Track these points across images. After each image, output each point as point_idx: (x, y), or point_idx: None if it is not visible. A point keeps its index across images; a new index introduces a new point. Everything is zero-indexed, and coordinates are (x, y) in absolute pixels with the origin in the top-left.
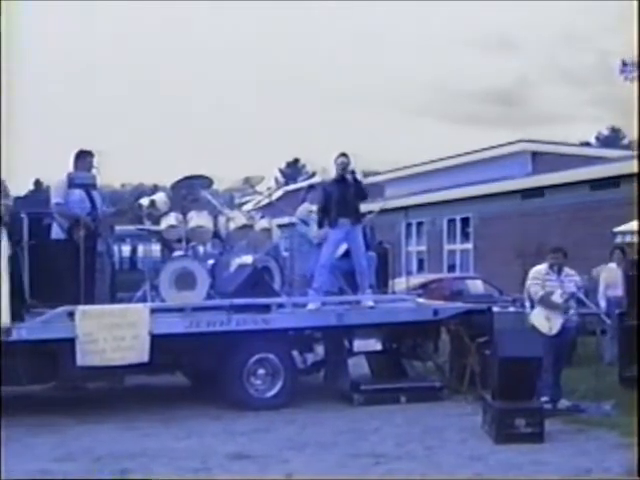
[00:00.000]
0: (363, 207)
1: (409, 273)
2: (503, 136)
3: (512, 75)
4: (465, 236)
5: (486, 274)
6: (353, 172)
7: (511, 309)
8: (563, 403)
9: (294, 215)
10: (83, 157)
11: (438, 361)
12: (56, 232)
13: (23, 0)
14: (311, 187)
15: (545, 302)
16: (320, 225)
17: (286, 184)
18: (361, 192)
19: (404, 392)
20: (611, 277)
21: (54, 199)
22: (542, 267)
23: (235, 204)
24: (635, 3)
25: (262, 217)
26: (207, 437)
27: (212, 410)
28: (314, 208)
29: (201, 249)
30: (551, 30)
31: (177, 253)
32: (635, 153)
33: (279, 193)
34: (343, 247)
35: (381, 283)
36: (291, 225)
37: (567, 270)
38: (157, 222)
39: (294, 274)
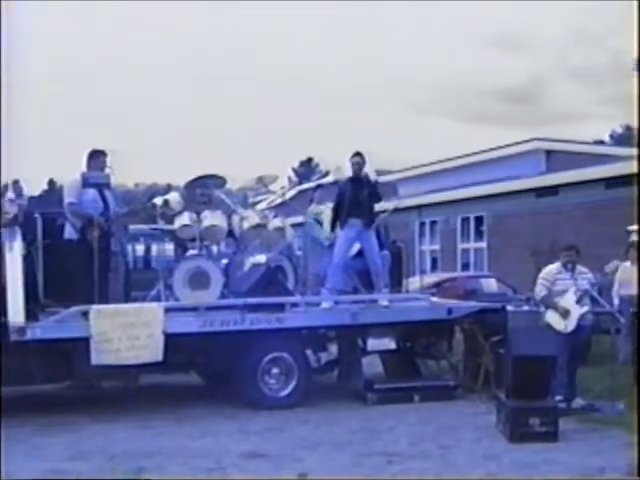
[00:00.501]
0: (377, 206)
1: (423, 272)
2: (516, 135)
3: (524, 74)
4: (479, 235)
5: (500, 273)
6: (367, 175)
7: (525, 308)
8: (577, 402)
9: (306, 215)
10: (96, 157)
11: (452, 360)
12: (69, 232)
13: (23, 0)
14: (319, 187)
15: (546, 303)
16: (332, 224)
17: (299, 183)
18: (375, 194)
19: (418, 391)
20: (625, 275)
21: (67, 199)
22: (554, 267)
23: (249, 203)
24: (635, 3)
25: (275, 216)
26: (221, 436)
27: (226, 409)
28: (322, 208)
29: (215, 248)
30: (562, 28)
31: (191, 252)
32: (635, 152)
33: (292, 192)
34: (357, 246)
35: (395, 282)
36: (304, 224)
37: (580, 268)
38: (171, 221)
39: (308, 273)
